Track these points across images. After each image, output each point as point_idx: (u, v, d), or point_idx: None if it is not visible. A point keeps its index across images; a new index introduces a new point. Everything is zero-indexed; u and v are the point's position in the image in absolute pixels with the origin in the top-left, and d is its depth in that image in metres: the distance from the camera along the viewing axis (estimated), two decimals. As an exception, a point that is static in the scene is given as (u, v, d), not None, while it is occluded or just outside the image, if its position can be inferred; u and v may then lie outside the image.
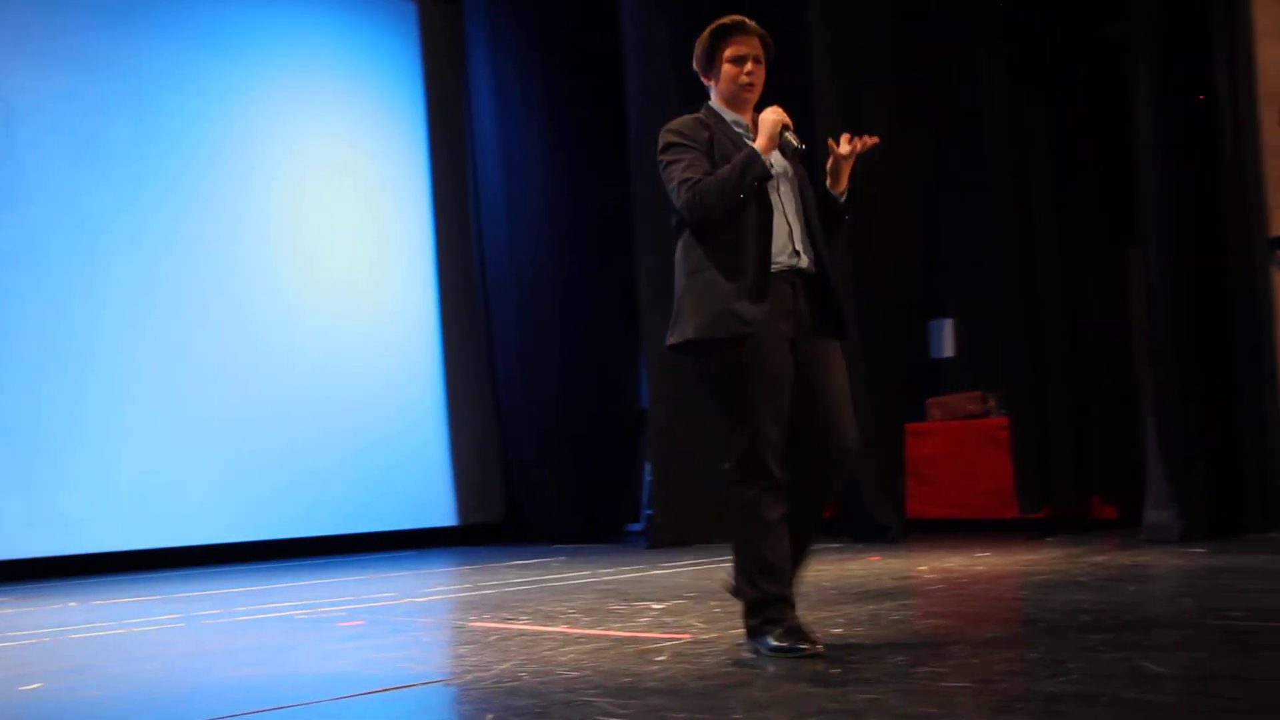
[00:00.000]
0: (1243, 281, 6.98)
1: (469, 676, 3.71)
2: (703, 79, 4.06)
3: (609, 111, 9.52)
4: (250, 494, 9.09)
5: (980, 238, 8.52)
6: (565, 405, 10.00)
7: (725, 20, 3.98)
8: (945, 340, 9.27)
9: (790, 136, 3.85)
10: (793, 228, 3.88)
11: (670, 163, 3.91)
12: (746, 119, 3.99)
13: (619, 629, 4.53)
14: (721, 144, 3.90)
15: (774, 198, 3.86)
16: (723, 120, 3.98)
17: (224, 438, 9.03)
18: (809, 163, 4.09)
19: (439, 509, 10.10)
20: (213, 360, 9.06)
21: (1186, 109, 7.10)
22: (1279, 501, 6.73)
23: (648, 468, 9.50)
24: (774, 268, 3.80)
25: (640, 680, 3.47)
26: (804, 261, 3.87)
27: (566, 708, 3.14)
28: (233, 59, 9.41)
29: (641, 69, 9.00)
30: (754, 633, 3.79)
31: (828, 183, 4.01)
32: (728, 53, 3.95)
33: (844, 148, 3.96)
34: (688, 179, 3.83)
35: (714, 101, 4.03)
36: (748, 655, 3.76)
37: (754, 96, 4.00)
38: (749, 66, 3.95)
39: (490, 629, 4.74)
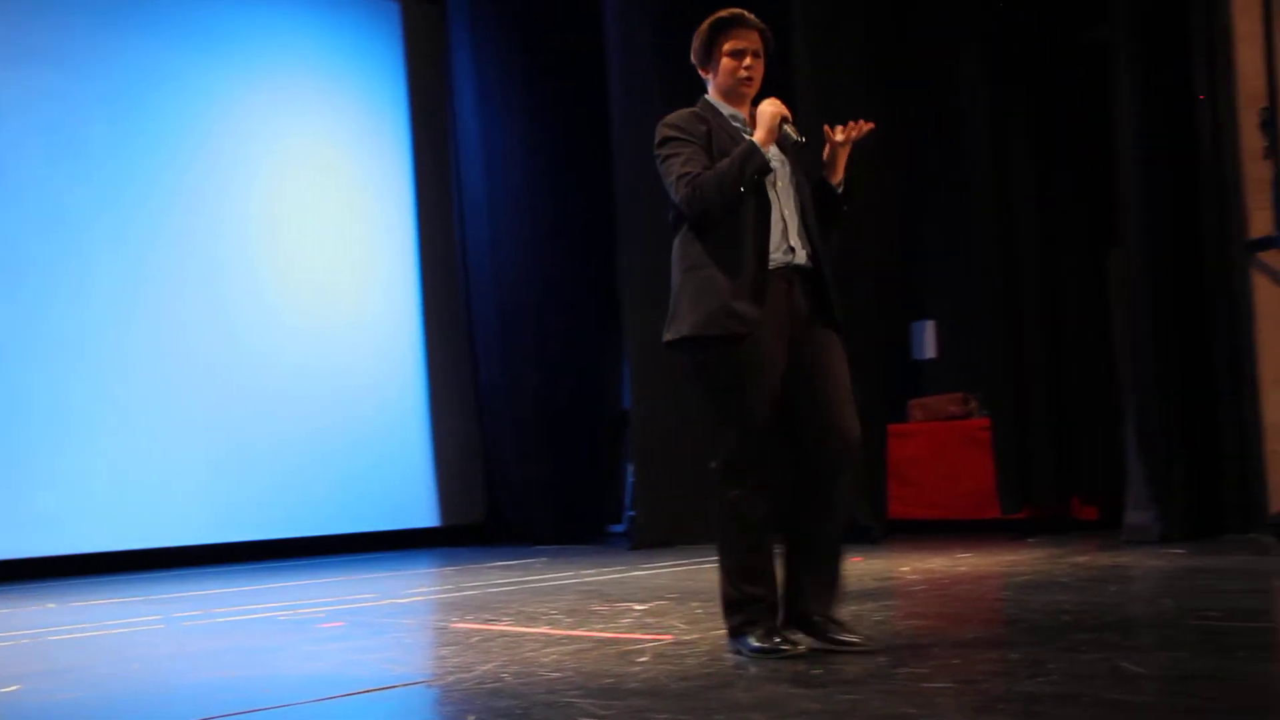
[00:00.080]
0: (1222, 283, 7.02)
1: (451, 678, 3.71)
2: (700, 72, 4.02)
3: (591, 113, 9.50)
4: (232, 495, 9.05)
5: (961, 239, 8.55)
6: (547, 406, 9.99)
7: (724, 13, 3.94)
8: (927, 342, 9.29)
9: (789, 129, 3.83)
10: (789, 223, 3.85)
11: (668, 157, 3.87)
12: (744, 113, 3.96)
13: (601, 630, 4.53)
14: (719, 138, 3.86)
15: (771, 193, 3.82)
16: (720, 114, 3.94)
17: (205, 438, 9.00)
18: (800, 158, 4.07)
19: (421, 510, 10.07)
20: (194, 360, 9.02)
21: (1166, 111, 7.15)
22: (1258, 502, 6.76)
23: (630, 468, 9.49)
24: (771, 264, 3.78)
25: (622, 681, 3.47)
26: (801, 257, 3.85)
27: (549, 709, 3.14)
28: (215, 58, 9.37)
29: (624, 70, 8.98)
30: (735, 633, 3.79)
31: (824, 173, 3.98)
32: (727, 46, 3.91)
33: (839, 135, 3.94)
34: (686, 173, 3.79)
35: (711, 95, 3.99)
36: (729, 656, 3.76)
37: (752, 91, 3.96)
38: (748, 61, 3.91)
39: (472, 630, 4.73)
